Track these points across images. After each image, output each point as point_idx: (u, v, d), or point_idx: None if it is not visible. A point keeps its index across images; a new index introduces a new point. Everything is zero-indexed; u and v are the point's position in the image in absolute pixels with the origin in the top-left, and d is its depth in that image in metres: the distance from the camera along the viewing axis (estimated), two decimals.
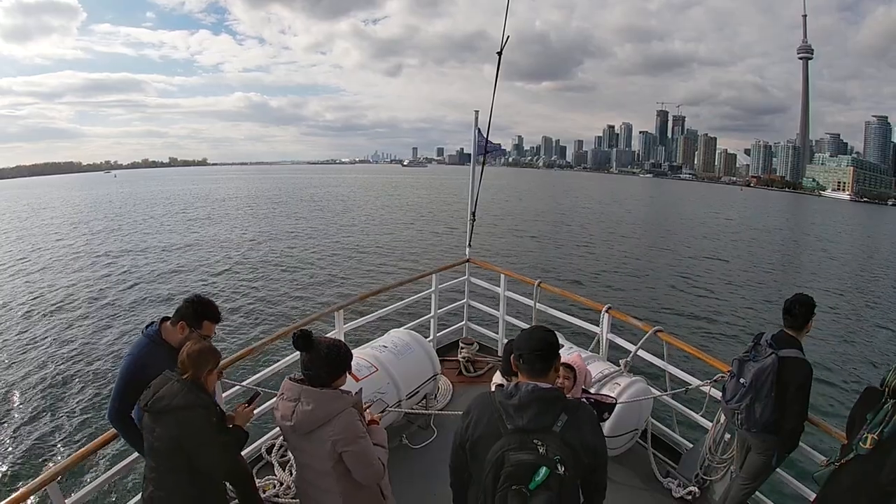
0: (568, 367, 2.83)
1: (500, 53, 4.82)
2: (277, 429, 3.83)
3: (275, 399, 2.21)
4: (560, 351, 1.85)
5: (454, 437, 1.88)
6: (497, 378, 3.42)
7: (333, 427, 2.02)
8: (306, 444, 2.09)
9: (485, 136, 5.18)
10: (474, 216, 5.43)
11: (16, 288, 16.66)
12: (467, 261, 5.52)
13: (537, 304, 4.89)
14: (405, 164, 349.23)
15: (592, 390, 3.50)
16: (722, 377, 3.31)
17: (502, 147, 6.03)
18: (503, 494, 1.58)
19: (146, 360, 2.45)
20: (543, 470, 1.54)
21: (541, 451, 1.58)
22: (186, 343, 2.30)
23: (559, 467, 1.55)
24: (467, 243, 5.56)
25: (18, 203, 57.99)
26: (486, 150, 5.26)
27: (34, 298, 15.18)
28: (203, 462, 2.17)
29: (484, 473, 1.64)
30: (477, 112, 5.19)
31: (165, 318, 2.62)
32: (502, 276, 5.15)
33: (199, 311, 2.59)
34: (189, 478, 2.17)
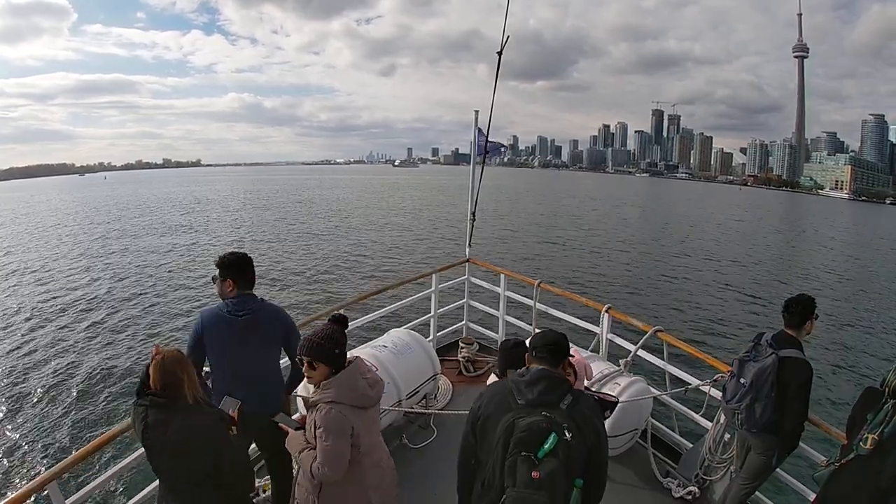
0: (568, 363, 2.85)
1: (500, 54, 4.80)
2: None
3: (348, 380, 2.13)
4: None
5: (467, 420, 1.96)
6: (492, 379, 3.40)
7: None
8: (377, 413, 2.27)
9: (485, 136, 5.16)
10: (474, 216, 5.42)
11: (15, 290, 16.61)
12: (467, 261, 5.51)
13: (537, 303, 4.89)
14: (396, 164, 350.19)
15: (593, 389, 3.51)
16: (722, 377, 3.32)
17: (503, 145, 6.01)
18: (513, 461, 1.64)
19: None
20: (552, 437, 1.62)
21: (549, 416, 1.68)
22: (155, 360, 2.00)
23: (566, 434, 1.64)
24: (467, 243, 5.55)
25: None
26: (487, 151, 5.25)
27: (33, 301, 15.15)
28: (236, 470, 2.09)
29: (494, 442, 1.72)
30: (477, 112, 5.19)
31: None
32: (502, 275, 5.15)
33: (245, 263, 2.69)
34: (218, 495, 2.07)
